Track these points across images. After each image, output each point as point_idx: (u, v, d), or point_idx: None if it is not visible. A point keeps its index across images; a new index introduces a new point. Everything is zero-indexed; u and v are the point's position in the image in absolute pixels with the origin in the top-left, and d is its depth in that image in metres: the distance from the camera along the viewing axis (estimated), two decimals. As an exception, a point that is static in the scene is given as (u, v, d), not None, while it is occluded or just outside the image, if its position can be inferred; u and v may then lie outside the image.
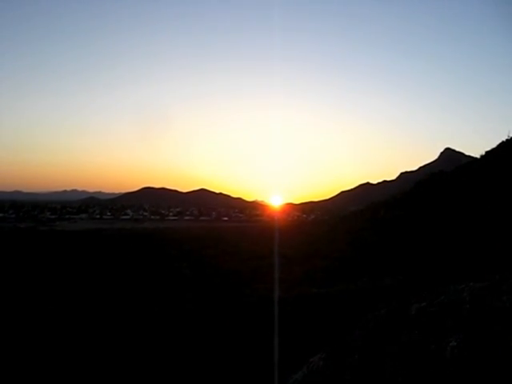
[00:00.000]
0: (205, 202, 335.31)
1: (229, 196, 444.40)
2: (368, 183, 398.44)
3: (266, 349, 10.52)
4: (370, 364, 4.99)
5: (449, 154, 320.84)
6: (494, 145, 38.59)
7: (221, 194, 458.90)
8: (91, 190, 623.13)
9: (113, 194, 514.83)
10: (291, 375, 6.48)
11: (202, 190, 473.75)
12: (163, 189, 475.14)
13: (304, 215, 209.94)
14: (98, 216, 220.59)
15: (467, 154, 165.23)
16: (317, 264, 26.44)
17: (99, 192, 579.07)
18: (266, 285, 21.32)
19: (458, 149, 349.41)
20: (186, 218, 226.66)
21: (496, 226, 22.36)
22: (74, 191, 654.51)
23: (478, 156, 40.15)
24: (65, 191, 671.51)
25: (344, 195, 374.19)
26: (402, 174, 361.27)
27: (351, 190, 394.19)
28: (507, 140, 37.12)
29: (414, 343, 4.82)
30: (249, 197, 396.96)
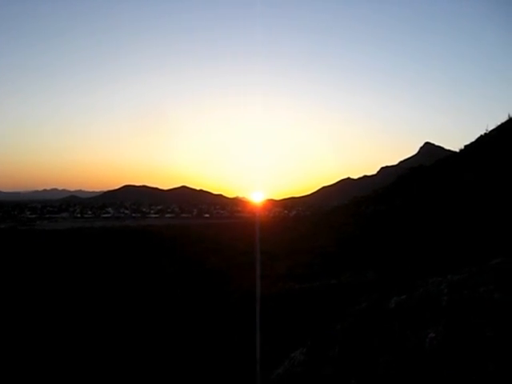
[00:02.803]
0: (186, 199, 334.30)
1: (210, 193, 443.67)
2: (349, 178, 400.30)
3: (249, 345, 10.57)
4: (350, 357, 5.05)
5: (428, 149, 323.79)
6: (472, 139, 39.08)
7: (201, 190, 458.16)
8: (72, 188, 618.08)
9: (93, 192, 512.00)
10: (274, 370, 6.55)
11: (183, 188, 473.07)
12: (144, 186, 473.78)
13: (285, 211, 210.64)
14: (78, 215, 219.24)
15: (447, 148, 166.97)
16: (299, 259, 26.51)
17: (80, 191, 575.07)
18: (249, 281, 21.35)
19: (437, 143, 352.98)
20: (168, 215, 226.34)
21: (475, 218, 22.70)
22: (55, 190, 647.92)
23: (457, 150, 40.60)
24: (45, 190, 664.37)
25: (325, 190, 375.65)
26: (382, 168, 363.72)
27: (332, 185, 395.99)
28: (485, 134, 37.62)
29: (394, 335, 4.89)
30: (230, 193, 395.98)
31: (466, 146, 38.84)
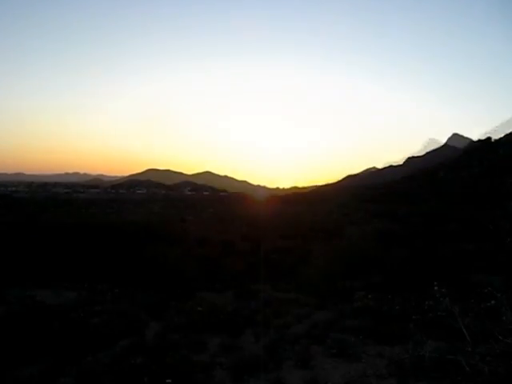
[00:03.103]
0: (210, 184, 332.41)
1: (234, 179, 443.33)
2: (374, 168, 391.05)
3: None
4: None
5: (456, 140, 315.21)
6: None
7: (226, 176, 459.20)
8: (94, 173, 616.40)
9: (115, 176, 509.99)
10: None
11: (207, 173, 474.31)
12: (168, 171, 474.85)
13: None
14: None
15: (475, 139, 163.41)
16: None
17: (101, 175, 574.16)
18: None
19: (465, 134, 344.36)
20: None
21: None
22: (77, 174, 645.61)
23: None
24: (67, 173, 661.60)
25: (350, 179, 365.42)
26: (409, 158, 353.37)
27: (357, 174, 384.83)
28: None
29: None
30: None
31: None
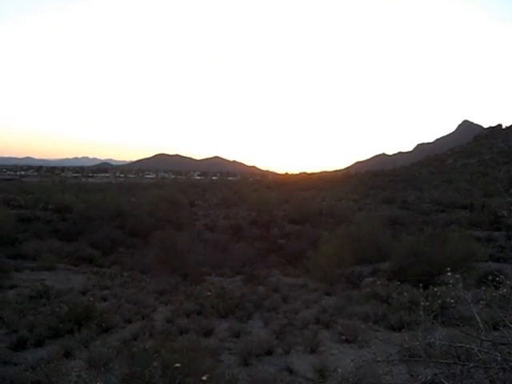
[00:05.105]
0: (219, 169, 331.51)
1: (243, 164, 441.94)
2: (383, 154, 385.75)
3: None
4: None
5: (467, 126, 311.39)
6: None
7: (235, 161, 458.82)
8: (102, 157, 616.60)
9: (124, 161, 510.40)
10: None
11: (216, 158, 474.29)
12: (177, 156, 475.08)
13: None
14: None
15: (486, 126, 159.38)
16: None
17: (110, 159, 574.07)
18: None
19: (476, 121, 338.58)
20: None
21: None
22: (85, 158, 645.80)
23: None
24: (76, 158, 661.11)
25: (359, 165, 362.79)
26: (418, 145, 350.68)
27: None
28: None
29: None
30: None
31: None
